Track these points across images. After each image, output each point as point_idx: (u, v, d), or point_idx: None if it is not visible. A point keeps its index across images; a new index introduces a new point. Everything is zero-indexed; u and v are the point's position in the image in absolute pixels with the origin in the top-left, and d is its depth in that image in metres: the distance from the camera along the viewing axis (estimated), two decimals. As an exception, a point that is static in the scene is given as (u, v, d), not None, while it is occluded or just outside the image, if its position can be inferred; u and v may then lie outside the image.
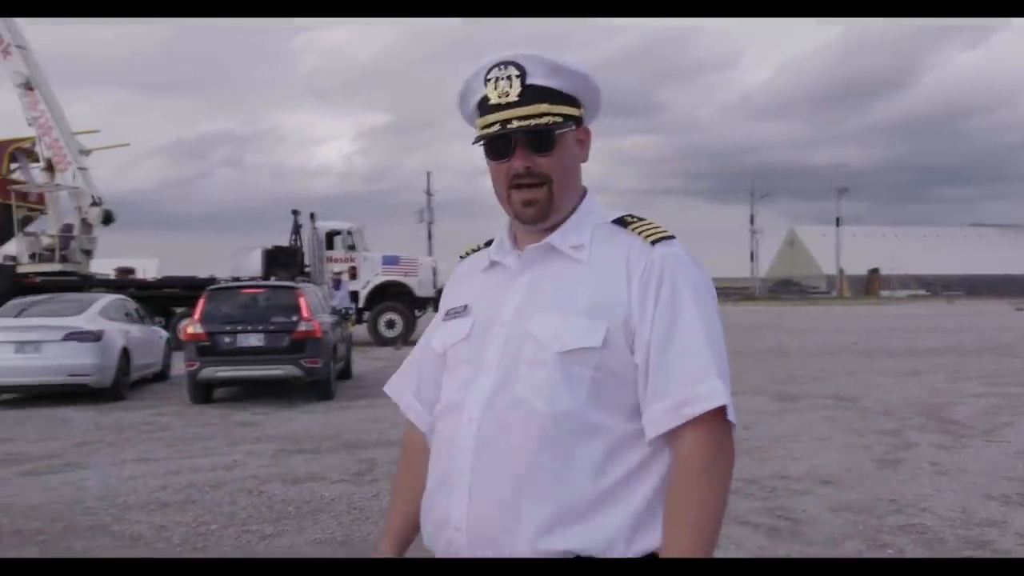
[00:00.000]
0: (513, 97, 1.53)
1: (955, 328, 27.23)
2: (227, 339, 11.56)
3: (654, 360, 1.46)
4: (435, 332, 1.73)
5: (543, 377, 1.48)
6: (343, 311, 18.12)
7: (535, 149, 1.54)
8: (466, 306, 1.65)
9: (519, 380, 1.50)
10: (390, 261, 24.10)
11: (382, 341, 22.22)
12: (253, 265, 22.82)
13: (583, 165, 1.65)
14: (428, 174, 63.53)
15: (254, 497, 6.30)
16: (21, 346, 11.61)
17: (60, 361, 11.59)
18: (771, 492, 6.21)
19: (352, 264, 23.90)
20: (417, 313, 24.34)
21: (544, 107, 1.53)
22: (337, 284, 20.88)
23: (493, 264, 1.67)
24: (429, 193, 61.64)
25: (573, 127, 1.57)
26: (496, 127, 1.54)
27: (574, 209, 1.61)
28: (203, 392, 11.81)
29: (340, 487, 6.58)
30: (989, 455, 7.44)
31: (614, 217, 1.60)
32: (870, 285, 73.66)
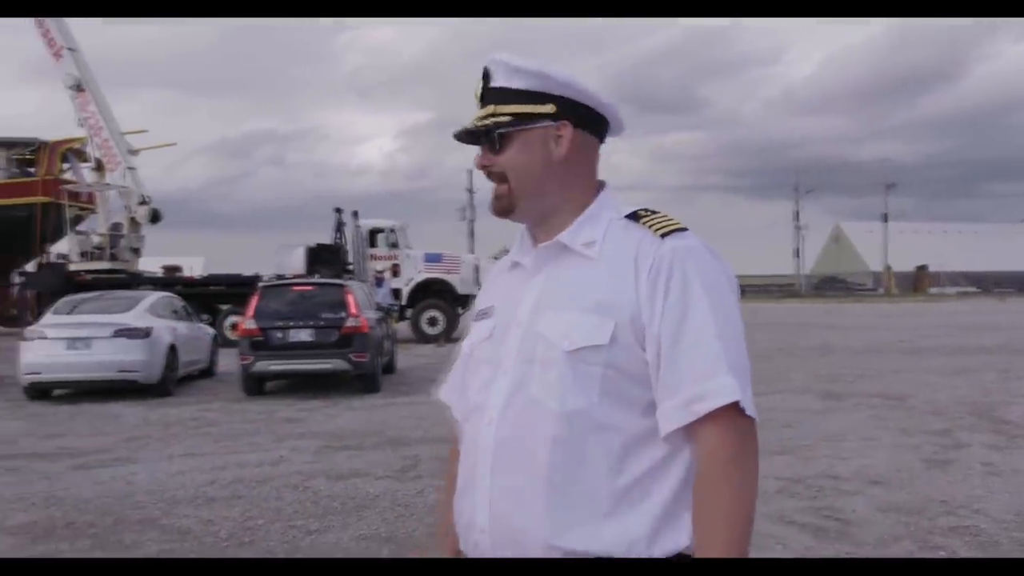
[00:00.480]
0: (478, 100, 1.62)
1: (1007, 326, 26.64)
2: (279, 334, 12.16)
3: (664, 355, 1.45)
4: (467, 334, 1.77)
5: (554, 376, 1.48)
6: (386, 308, 18.34)
7: (490, 148, 1.60)
8: (491, 307, 1.68)
9: (534, 380, 1.50)
10: (432, 259, 24.20)
11: (424, 338, 22.32)
12: (296, 263, 23.04)
13: (586, 160, 1.64)
14: (470, 172, 63.34)
15: (299, 493, 6.36)
16: (72, 342, 11.85)
17: (110, 357, 11.81)
18: (818, 492, 6.12)
19: (395, 262, 24.04)
20: (459, 310, 24.41)
21: (491, 108, 1.59)
22: (379, 282, 21.02)
23: (515, 264, 1.69)
24: (471, 191, 61.73)
25: (541, 124, 1.58)
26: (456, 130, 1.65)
27: (587, 205, 1.61)
28: (256, 385, 12.37)
29: (384, 483, 6.62)
30: (1044, 456, 7.26)
31: (628, 212, 1.59)
32: (918, 282, 72.33)
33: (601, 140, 1.65)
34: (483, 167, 1.62)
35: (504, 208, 1.62)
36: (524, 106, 1.58)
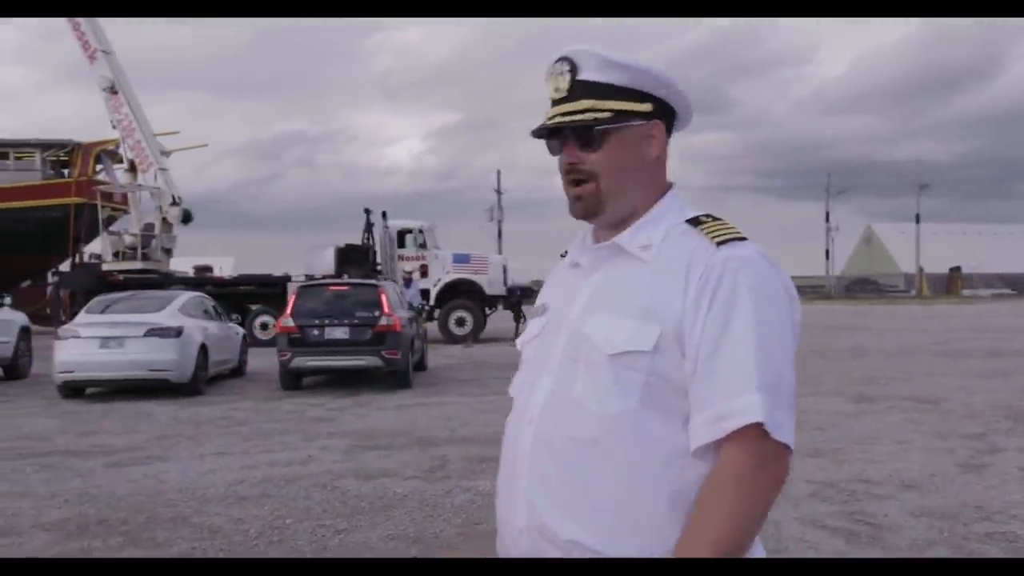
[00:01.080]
0: (563, 92, 1.55)
1: (1043, 328, 26.20)
2: (315, 332, 12.74)
3: (700, 368, 1.41)
4: None
5: (597, 378, 1.46)
6: (416, 308, 18.52)
7: (581, 145, 1.54)
8: (545, 305, 1.66)
9: (577, 381, 1.48)
10: (461, 259, 24.25)
11: (453, 339, 22.37)
12: (326, 263, 23.18)
13: (662, 161, 1.60)
14: (498, 172, 63.53)
15: (328, 492, 6.39)
16: (105, 341, 11.99)
17: (142, 356, 11.94)
18: (850, 495, 6.05)
19: (423, 262, 24.11)
20: (487, 311, 24.43)
21: (588, 103, 1.52)
22: (408, 282, 21.09)
23: (574, 263, 1.65)
24: (499, 191, 61.78)
25: (635, 122, 1.54)
26: (543, 122, 1.57)
27: (651, 206, 1.57)
28: (293, 380, 12.97)
29: (412, 483, 6.62)
30: (1082, 461, 7.13)
31: (690, 217, 1.55)
32: (951, 284, 71.36)
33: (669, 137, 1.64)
34: (571, 165, 1.56)
35: (590, 210, 1.57)
36: (623, 103, 1.53)
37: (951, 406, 10.20)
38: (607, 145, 1.53)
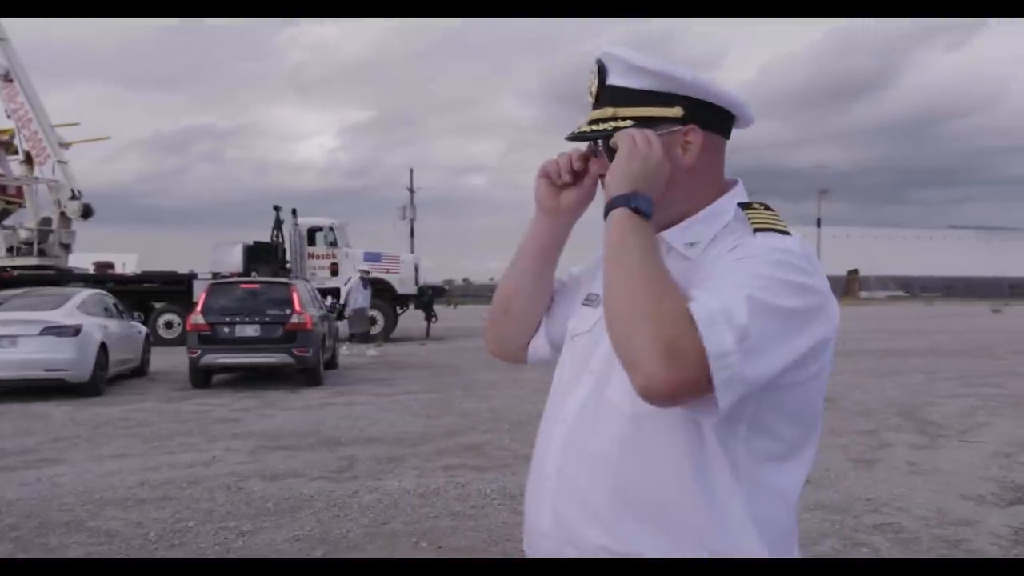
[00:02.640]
0: (593, 98, 1.50)
1: (933, 329, 27.46)
2: (226, 329, 12.81)
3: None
4: (572, 307, 1.63)
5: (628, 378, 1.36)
6: (361, 309, 18.81)
7: (609, 156, 1.45)
8: (598, 296, 1.51)
9: (611, 382, 1.41)
10: (372, 258, 24.05)
11: (364, 338, 22.18)
12: (234, 260, 22.72)
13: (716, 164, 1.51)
14: (411, 171, 63.19)
15: (232, 494, 6.27)
16: (-2, 340, 11.49)
17: (37, 355, 11.48)
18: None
19: (334, 260, 23.86)
20: (399, 310, 24.30)
21: (611, 111, 1.46)
22: (365, 283, 20.63)
23: None
24: (412, 190, 61.43)
25: (668, 129, 1.45)
26: (573, 131, 1.51)
27: (705, 207, 1.49)
28: (203, 377, 12.96)
29: (319, 484, 6.56)
30: (965, 455, 7.51)
31: (741, 213, 1.46)
32: (849, 286, 74.15)
33: (727, 136, 1.53)
34: (601, 177, 1.47)
35: None
36: (648, 108, 1.45)
37: (847, 404, 10.60)
38: None
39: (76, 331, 11.78)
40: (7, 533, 5.33)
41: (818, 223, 78.69)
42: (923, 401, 10.85)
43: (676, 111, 1.45)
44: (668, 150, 1.44)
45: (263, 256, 23.22)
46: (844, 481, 6.55)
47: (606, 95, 1.46)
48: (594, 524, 1.39)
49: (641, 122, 1.44)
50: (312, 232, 24.22)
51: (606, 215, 1.39)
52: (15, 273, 21.98)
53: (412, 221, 60.08)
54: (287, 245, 24.03)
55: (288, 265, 23.47)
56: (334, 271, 23.67)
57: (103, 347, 12.35)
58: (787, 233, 1.38)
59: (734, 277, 1.28)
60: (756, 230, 1.38)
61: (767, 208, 1.46)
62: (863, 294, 71.51)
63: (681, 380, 1.21)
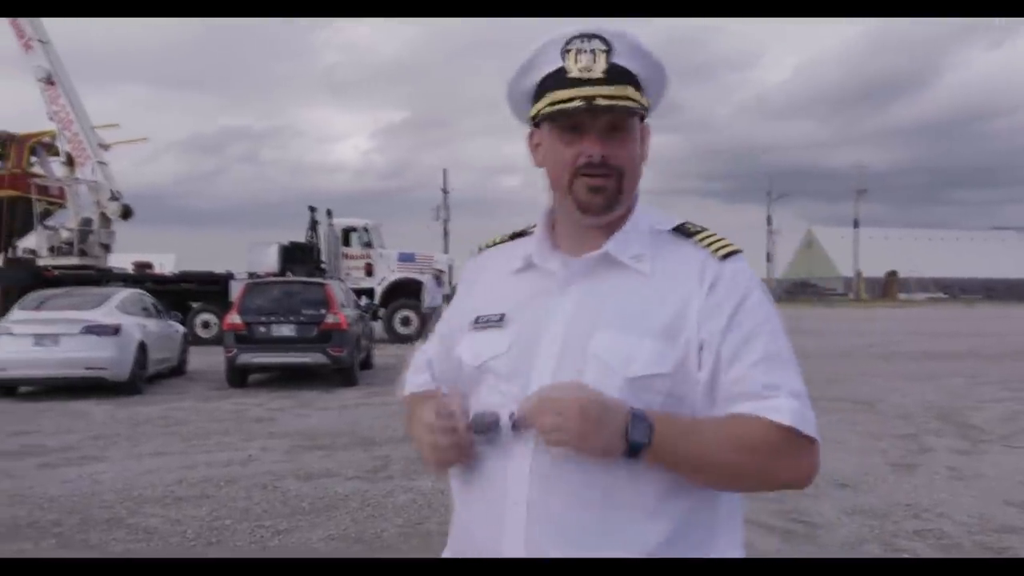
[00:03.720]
0: (597, 74, 1.38)
1: (974, 332, 27.01)
2: (262, 329, 12.95)
3: (721, 375, 1.36)
4: (460, 336, 1.55)
5: None
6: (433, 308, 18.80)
7: (611, 137, 1.39)
8: (502, 315, 1.47)
9: None
10: (406, 258, 24.16)
11: (397, 338, 22.27)
12: (269, 261, 22.93)
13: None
14: (444, 171, 63.51)
15: (268, 493, 6.32)
16: (40, 339, 11.69)
17: (78, 354, 11.66)
18: (785, 494, 6.16)
19: (368, 261, 23.98)
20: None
21: (631, 90, 1.39)
22: (439, 281, 20.61)
23: (529, 267, 1.51)
24: (445, 190, 61.73)
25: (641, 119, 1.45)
26: (577, 102, 1.37)
27: (628, 213, 1.47)
28: (239, 376, 13.04)
29: (354, 484, 6.59)
30: (1007, 460, 7.37)
31: (673, 225, 1.47)
32: (888, 288, 73.15)
33: None
34: (603, 158, 1.39)
35: (608, 203, 1.42)
36: (641, 95, 1.42)
37: (885, 407, 10.46)
38: (632, 139, 1.42)
39: (116, 330, 11.96)
40: (50, 529, 5.41)
41: (855, 224, 77.81)
42: (964, 405, 10.66)
43: (648, 101, 1.44)
44: (643, 141, 1.46)
45: (299, 256, 23.41)
46: (884, 486, 6.45)
47: (617, 74, 1.39)
48: (578, 548, 1.35)
49: (642, 107, 1.42)
50: (347, 232, 24.37)
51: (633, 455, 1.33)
52: (56, 273, 22.35)
53: (446, 221, 60.39)
54: (322, 245, 24.21)
55: (323, 265, 23.63)
56: (368, 271, 23.79)
57: (142, 346, 12.52)
58: (741, 251, 1.45)
59: (768, 345, 1.38)
60: (722, 257, 1.42)
61: (704, 228, 1.48)
62: (902, 296, 70.53)
63: (817, 463, 1.39)
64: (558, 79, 1.40)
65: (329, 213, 24.36)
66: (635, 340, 1.36)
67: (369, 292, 22.59)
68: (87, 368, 11.73)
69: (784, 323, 1.44)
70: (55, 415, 10.23)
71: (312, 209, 24.50)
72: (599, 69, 1.38)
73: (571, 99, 1.38)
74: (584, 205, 1.42)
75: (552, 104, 1.40)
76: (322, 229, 24.26)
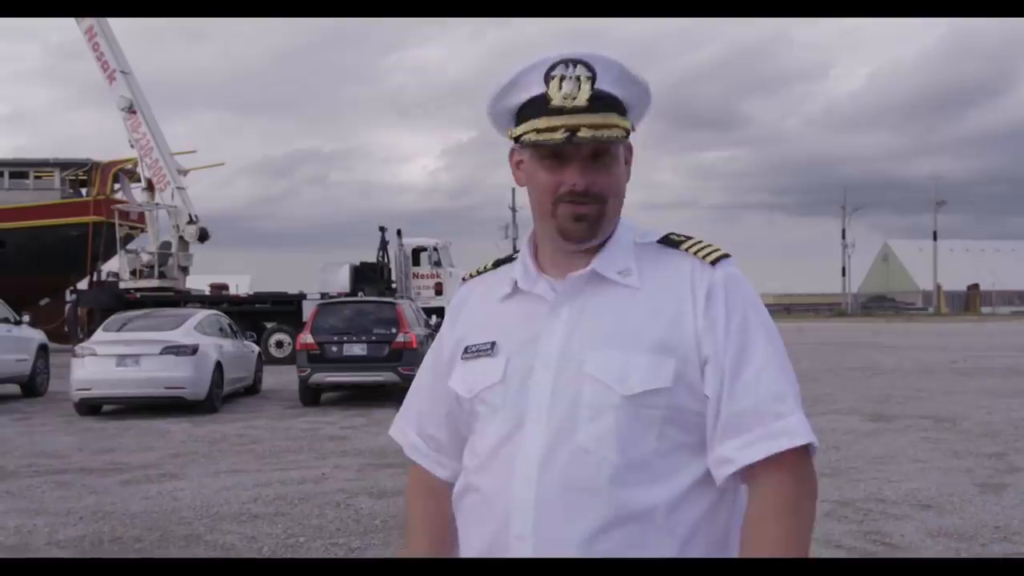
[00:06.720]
0: (581, 102, 1.35)
1: (1062, 346, 25.94)
2: (334, 348, 13.07)
3: (727, 391, 1.34)
4: (450, 370, 1.54)
5: (610, 423, 1.34)
6: None
7: (595, 165, 1.38)
8: (492, 343, 1.46)
9: (580, 429, 1.35)
10: (475, 277, 24.26)
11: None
12: (341, 281, 23.27)
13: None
14: (513, 190, 63.28)
15: (341, 510, 6.38)
16: (122, 359, 12.06)
17: (158, 374, 11.99)
18: (866, 515, 5.99)
19: (438, 280, 24.16)
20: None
21: (615, 117, 1.37)
22: None
23: (516, 292, 1.48)
24: (513, 209, 61.97)
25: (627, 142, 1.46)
26: (562, 132, 1.35)
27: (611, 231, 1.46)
28: (312, 395, 13.23)
29: (425, 502, 6.60)
30: (1103, 481, 7.04)
31: (657, 237, 1.46)
32: (970, 301, 71.00)
33: None
34: (587, 186, 1.38)
35: (591, 230, 1.41)
36: (625, 120, 1.41)
37: (969, 425, 10.10)
38: (616, 164, 1.41)
39: (194, 350, 12.27)
40: (131, 545, 5.55)
41: (934, 236, 75.76)
42: (1054, 423, 10.24)
43: (628, 124, 1.43)
44: (626, 165, 1.45)
45: (369, 276, 23.71)
46: (970, 507, 6.22)
47: (601, 101, 1.36)
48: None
49: (626, 134, 1.41)
50: (416, 252, 24.63)
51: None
52: (138, 295, 23.05)
53: (514, 240, 60.52)
54: (392, 265, 24.48)
55: (394, 285, 23.89)
56: (438, 291, 23.98)
57: (219, 366, 12.81)
58: (730, 255, 1.44)
59: (766, 349, 1.38)
60: (712, 262, 1.41)
61: (690, 236, 1.47)
62: (985, 310, 68.32)
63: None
64: (540, 107, 1.38)
65: (399, 233, 24.64)
66: (630, 356, 1.35)
67: (439, 311, 22.74)
68: (166, 387, 12.05)
69: (782, 326, 1.48)
70: (136, 433, 10.52)
71: (383, 229, 24.82)
72: (583, 97, 1.36)
73: (554, 128, 1.36)
74: (566, 232, 1.41)
75: (536, 131, 1.38)
76: (392, 249, 24.54)
